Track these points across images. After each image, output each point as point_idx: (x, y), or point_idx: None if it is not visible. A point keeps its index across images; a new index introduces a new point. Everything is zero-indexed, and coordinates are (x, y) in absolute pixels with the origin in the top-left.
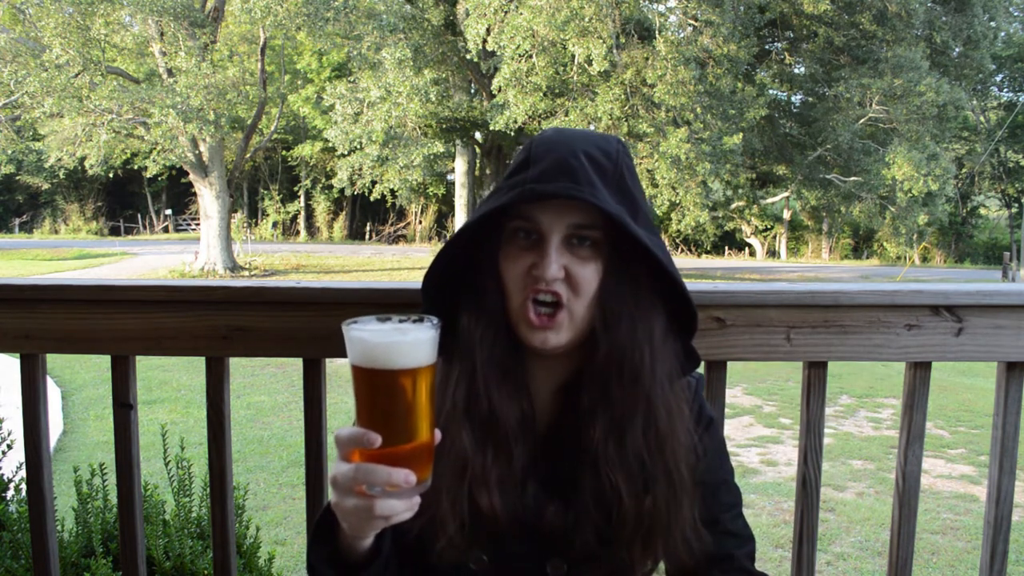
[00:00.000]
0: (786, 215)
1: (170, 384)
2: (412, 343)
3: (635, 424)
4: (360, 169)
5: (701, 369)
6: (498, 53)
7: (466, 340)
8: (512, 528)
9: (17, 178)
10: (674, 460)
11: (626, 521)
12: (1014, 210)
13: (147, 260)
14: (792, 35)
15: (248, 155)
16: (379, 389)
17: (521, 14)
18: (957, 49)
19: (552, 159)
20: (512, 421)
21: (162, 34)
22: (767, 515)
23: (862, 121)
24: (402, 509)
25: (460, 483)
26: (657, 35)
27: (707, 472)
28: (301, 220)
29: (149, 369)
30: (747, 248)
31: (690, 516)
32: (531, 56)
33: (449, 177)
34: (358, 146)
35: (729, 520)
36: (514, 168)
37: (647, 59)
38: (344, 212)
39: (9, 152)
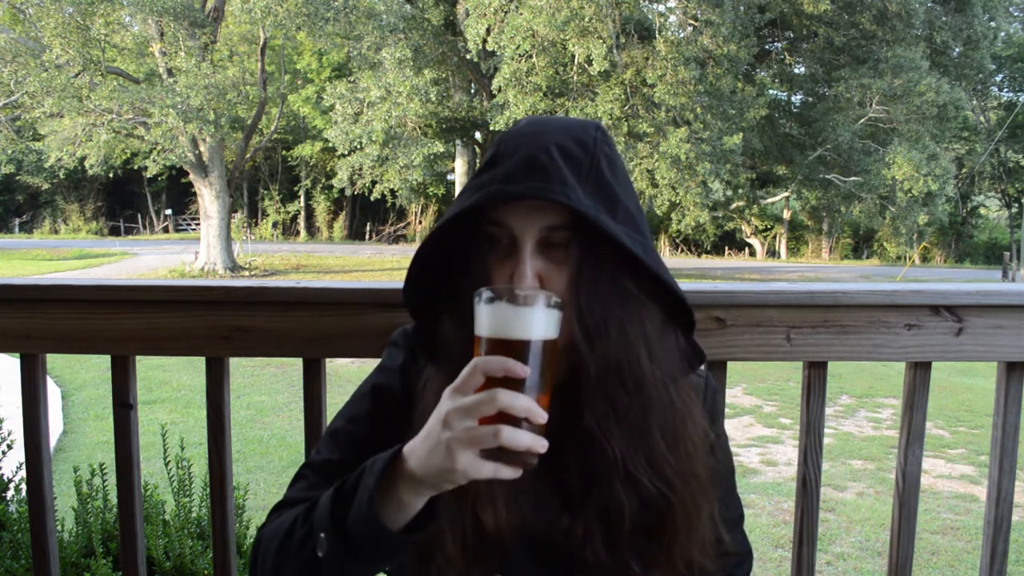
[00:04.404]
0: (786, 215)
1: (170, 384)
2: (547, 317)
3: (652, 430)
4: (360, 169)
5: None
6: (498, 53)
7: (452, 347)
8: (521, 543)
9: (17, 178)
10: (690, 462)
11: (628, 530)
12: (1014, 210)
13: (147, 260)
14: (792, 35)
15: (248, 155)
16: (513, 356)
17: (521, 14)
18: (957, 49)
19: (521, 156)
20: None
21: (162, 34)
22: (767, 515)
23: (862, 121)
24: (526, 443)
25: (460, 500)
26: (657, 35)
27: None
28: (301, 220)
29: (149, 369)
30: (747, 248)
31: (709, 519)
32: (531, 56)
33: (449, 177)
34: (358, 146)
35: (731, 537)
36: (483, 165)
37: (647, 59)
38: (344, 212)
39: (9, 152)
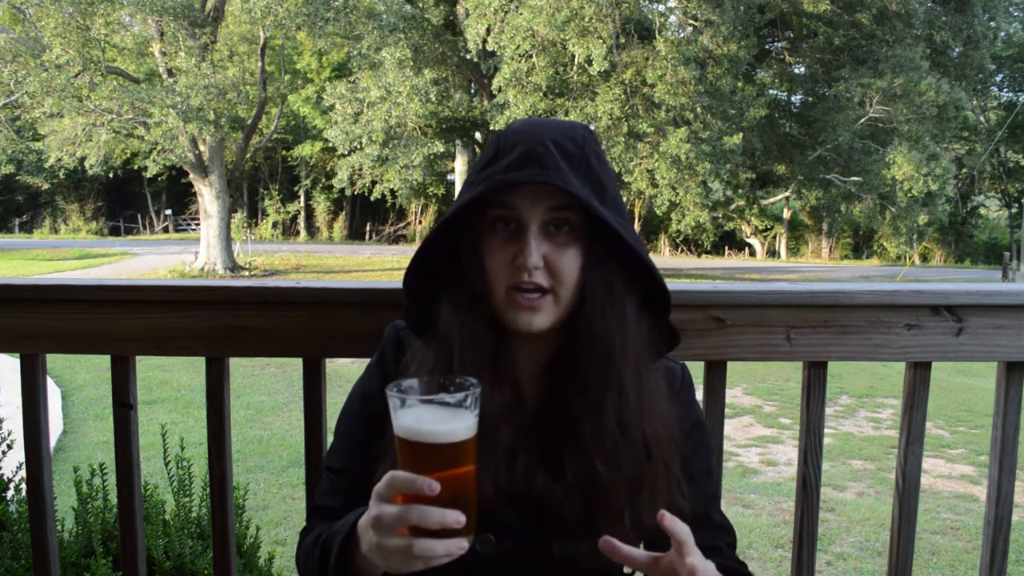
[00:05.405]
0: (786, 215)
1: (170, 384)
2: (466, 428)
3: (607, 404)
4: (360, 169)
5: (701, 369)
6: (498, 53)
7: (445, 329)
8: (504, 503)
9: (17, 178)
10: (653, 436)
11: (608, 497)
12: (1014, 210)
13: (147, 260)
14: (792, 35)
15: (248, 155)
16: (429, 459)
17: (521, 14)
18: (957, 49)
19: (520, 150)
20: (495, 406)
21: (162, 34)
22: (767, 515)
23: (862, 121)
24: (440, 551)
25: None
26: (657, 35)
27: (691, 461)
28: (301, 220)
29: (149, 369)
30: (747, 248)
31: (675, 490)
32: (531, 56)
33: (449, 177)
34: (358, 146)
35: (715, 513)
36: (485, 161)
37: (647, 59)
38: (344, 212)
39: (9, 152)
